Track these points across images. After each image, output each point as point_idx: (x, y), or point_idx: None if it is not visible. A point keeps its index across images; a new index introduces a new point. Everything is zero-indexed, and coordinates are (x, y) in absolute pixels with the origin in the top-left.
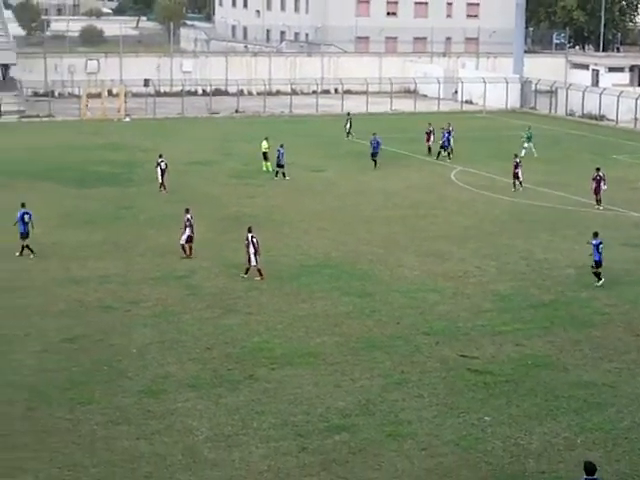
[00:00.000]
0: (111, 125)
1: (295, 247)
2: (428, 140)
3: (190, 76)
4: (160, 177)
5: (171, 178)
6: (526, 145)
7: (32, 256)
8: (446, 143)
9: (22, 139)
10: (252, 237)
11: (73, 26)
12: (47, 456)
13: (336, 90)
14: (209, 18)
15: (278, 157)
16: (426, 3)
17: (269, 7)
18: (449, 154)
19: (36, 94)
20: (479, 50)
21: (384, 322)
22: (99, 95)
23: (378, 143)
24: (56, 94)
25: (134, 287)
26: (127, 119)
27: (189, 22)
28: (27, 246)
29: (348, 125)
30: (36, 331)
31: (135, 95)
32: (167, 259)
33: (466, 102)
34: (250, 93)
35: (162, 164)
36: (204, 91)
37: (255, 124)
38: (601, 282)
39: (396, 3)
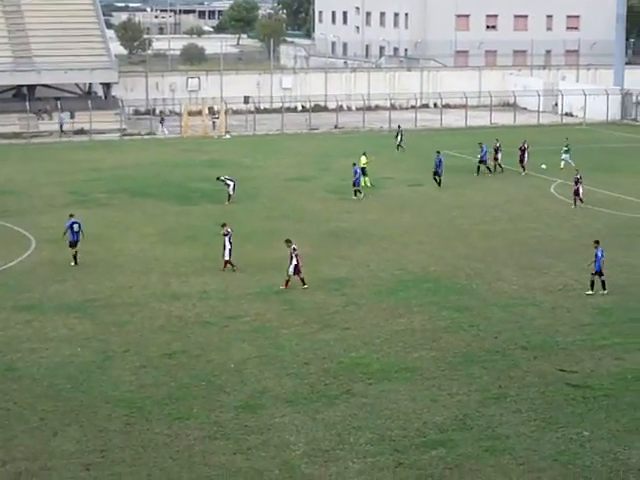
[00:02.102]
0: (211, 142)
1: (393, 261)
2: (496, 157)
3: (290, 92)
4: (232, 190)
5: (270, 194)
6: (564, 156)
7: (72, 264)
8: (484, 157)
9: (124, 157)
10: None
11: (174, 45)
12: (145, 471)
13: (435, 104)
14: (309, 35)
15: (356, 176)
16: (526, 16)
17: (368, 23)
18: (489, 168)
19: (137, 112)
20: (579, 62)
21: (482, 337)
22: (200, 113)
23: (440, 161)
24: (157, 112)
25: (233, 303)
26: (227, 136)
27: (289, 39)
28: (74, 255)
29: (399, 138)
30: (135, 347)
31: (235, 112)
32: (266, 275)
33: (566, 114)
34: (349, 108)
35: (228, 181)
36: (303, 107)
37: (354, 139)
38: (591, 292)
39: (495, 17)
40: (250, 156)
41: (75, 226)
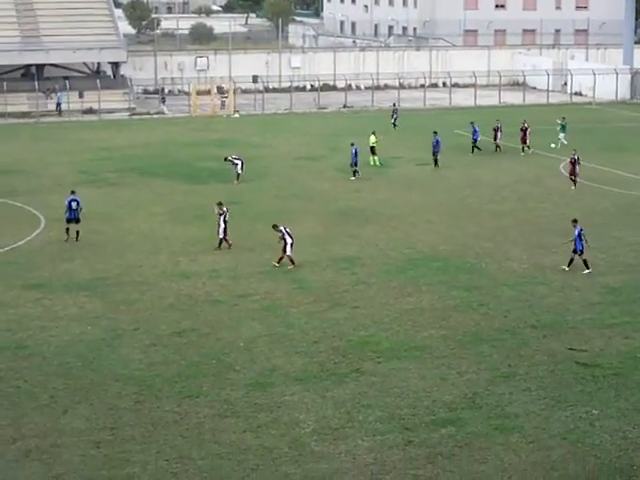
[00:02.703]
0: (220, 121)
1: (402, 240)
2: (495, 137)
3: (298, 72)
4: (240, 169)
5: (279, 173)
6: (561, 135)
7: (65, 239)
8: (476, 137)
9: (133, 136)
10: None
11: (183, 24)
12: (155, 448)
13: (444, 84)
14: (317, 14)
15: (354, 156)
16: None
17: (377, 2)
18: (478, 147)
19: (146, 92)
20: (588, 41)
21: (491, 315)
22: (208, 92)
23: (437, 142)
24: (166, 91)
25: (243, 281)
26: (236, 115)
27: (297, 18)
28: (77, 232)
29: (395, 116)
30: (145, 325)
31: (244, 91)
32: (275, 253)
33: (575, 94)
34: (358, 88)
35: (236, 160)
36: (312, 86)
37: (363, 118)
38: (589, 270)
39: None
40: (259, 135)
41: (73, 203)
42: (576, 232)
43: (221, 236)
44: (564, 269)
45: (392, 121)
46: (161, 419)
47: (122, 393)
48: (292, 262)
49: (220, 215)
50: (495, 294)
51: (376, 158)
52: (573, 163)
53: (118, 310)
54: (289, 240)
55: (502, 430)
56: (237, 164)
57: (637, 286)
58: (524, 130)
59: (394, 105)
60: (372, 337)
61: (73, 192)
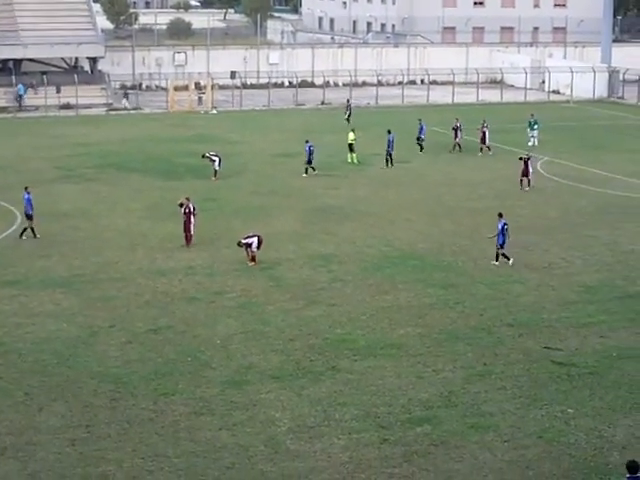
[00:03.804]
0: (198, 117)
1: (380, 238)
2: (455, 137)
3: (276, 68)
4: (217, 166)
5: (257, 170)
6: (534, 133)
7: (23, 237)
8: (422, 134)
9: (110, 132)
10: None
11: (161, 19)
12: (130, 446)
13: (422, 81)
14: (296, 10)
15: (308, 153)
16: None
17: None
18: (420, 145)
19: (124, 87)
20: (566, 40)
21: (467, 314)
22: (186, 88)
23: (390, 141)
24: (143, 87)
25: (219, 278)
26: (214, 111)
27: (276, 14)
28: (25, 229)
29: (348, 112)
30: (121, 322)
31: (222, 87)
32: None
33: (553, 92)
34: (336, 84)
35: (213, 157)
36: (290, 83)
37: (341, 115)
38: (511, 261)
39: None
40: (237, 131)
41: (24, 200)
42: (500, 225)
43: (191, 232)
44: (494, 264)
45: (345, 117)
46: (137, 417)
47: (98, 391)
48: (253, 260)
49: (186, 210)
50: (471, 292)
51: (354, 155)
52: (526, 163)
53: (94, 307)
54: (255, 240)
55: (477, 429)
56: (215, 160)
57: (613, 285)
58: (483, 131)
59: (348, 101)
60: (348, 335)
61: (25, 188)
